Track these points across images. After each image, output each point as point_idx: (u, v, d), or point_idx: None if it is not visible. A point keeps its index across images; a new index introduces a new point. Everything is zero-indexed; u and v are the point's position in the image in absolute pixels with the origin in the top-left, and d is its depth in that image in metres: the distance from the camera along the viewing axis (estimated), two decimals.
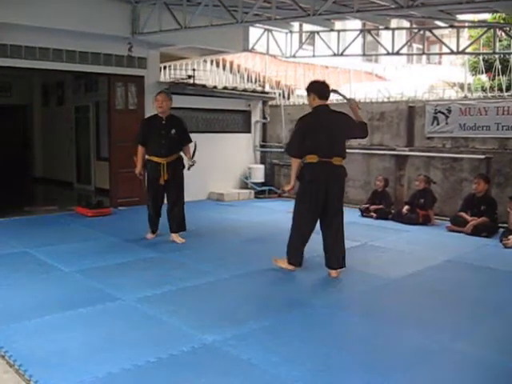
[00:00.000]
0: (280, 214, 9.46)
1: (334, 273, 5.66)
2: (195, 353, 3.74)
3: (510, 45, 11.01)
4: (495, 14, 11.17)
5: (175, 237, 7.26)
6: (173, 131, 7.11)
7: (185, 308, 4.66)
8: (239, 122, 12.45)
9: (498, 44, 9.21)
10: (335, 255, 5.68)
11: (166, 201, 7.35)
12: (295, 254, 5.81)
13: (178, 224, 7.28)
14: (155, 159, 7.07)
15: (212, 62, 12.93)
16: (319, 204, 5.58)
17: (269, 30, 10.89)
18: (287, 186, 5.95)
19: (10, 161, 13.98)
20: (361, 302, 5.05)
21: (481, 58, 11.71)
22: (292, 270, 5.81)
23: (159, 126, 7.11)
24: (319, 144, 5.53)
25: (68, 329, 4.14)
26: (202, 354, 3.73)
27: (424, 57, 19.18)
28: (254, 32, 11.07)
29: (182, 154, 7.34)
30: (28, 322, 4.24)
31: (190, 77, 11.16)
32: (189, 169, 7.27)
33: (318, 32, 10.71)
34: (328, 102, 5.81)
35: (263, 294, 5.21)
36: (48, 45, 8.96)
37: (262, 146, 12.80)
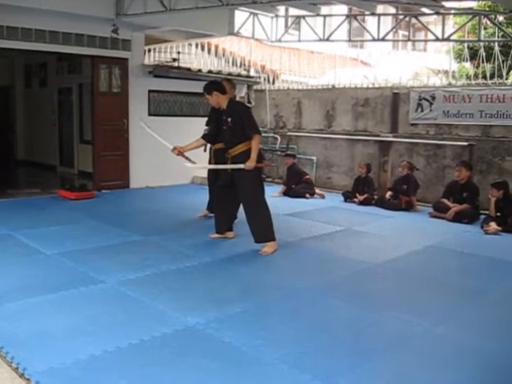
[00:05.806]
0: None
1: (262, 249, 6.01)
2: (178, 335, 3.75)
3: (494, 33, 11.04)
4: (481, 2, 11.19)
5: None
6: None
7: (167, 291, 4.66)
8: None
9: (483, 32, 9.24)
10: (252, 231, 6.09)
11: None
12: (217, 224, 6.56)
13: None
14: None
15: (197, 45, 12.82)
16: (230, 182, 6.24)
17: (254, 14, 10.83)
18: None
19: None
20: (343, 285, 5.08)
21: (466, 45, 11.75)
22: (231, 237, 6.51)
23: None
24: None
25: (50, 311, 4.12)
26: (184, 336, 3.75)
27: (409, 43, 19.14)
28: (240, 15, 10.99)
29: None
30: (10, 304, 4.21)
31: (174, 60, 11.07)
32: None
33: (303, 16, 10.66)
34: None
35: (246, 278, 5.22)
36: (31, 25, 8.78)
37: None
